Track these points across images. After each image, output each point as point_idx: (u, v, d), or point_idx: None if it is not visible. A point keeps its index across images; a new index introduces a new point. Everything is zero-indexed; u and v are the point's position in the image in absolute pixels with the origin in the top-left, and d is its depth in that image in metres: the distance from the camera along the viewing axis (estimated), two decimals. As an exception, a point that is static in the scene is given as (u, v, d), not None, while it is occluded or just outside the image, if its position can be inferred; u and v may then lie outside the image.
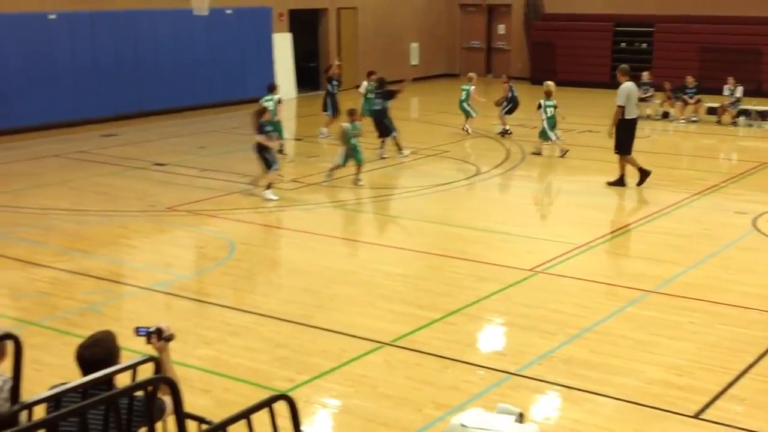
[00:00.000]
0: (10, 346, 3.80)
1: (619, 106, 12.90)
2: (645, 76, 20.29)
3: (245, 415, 3.43)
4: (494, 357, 7.22)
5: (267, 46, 22.59)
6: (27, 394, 3.81)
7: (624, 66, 13.43)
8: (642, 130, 18.91)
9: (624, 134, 13.05)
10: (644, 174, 13.21)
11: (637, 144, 13.34)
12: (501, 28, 28.08)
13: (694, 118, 19.60)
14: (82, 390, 3.44)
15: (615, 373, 6.81)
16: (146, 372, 3.82)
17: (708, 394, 6.40)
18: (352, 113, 13.48)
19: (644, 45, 25.16)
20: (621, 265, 9.66)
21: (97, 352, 3.90)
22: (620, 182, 13.20)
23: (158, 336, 4.21)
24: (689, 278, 9.15)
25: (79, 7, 18.59)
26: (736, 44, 23.27)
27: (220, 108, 21.18)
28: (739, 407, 6.23)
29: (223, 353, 7.16)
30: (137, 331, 4.23)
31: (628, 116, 12.97)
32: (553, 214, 12.09)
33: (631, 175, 13.23)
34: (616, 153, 13.22)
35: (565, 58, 25.72)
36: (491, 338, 7.86)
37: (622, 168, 13.19)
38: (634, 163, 13.23)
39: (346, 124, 13.26)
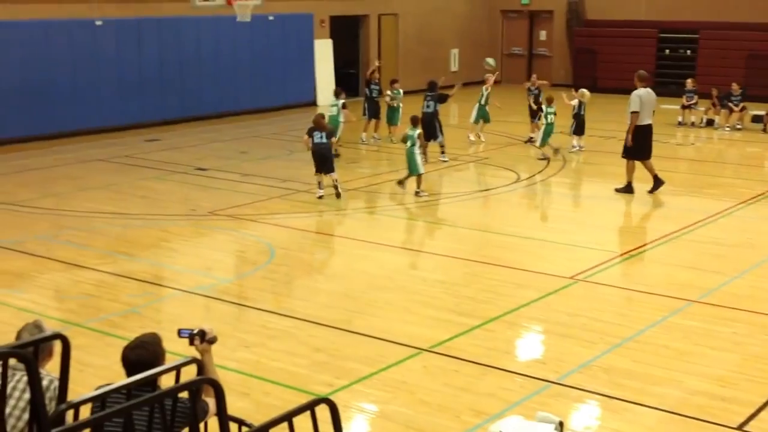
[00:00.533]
0: (57, 346, 3.87)
1: (633, 113, 12.76)
2: (689, 83, 20.04)
3: (287, 418, 3.44)
4: (533, 365, 7.17)
5: (308, 52, 22.72)
6: (71, 395, 3.87)
7: (642, 72, 13.26)
8: (686, 137, 18.78)
9: (638, 140, 12.87)
10: (658, 182, 13.06)
11: (682, 151, 13.20)
12: (542, 35, 27.93)
13: (739, 126, 19.29)
14: (127, 391, 3.49)
15: (656, 383, 6.72)
16: (189, 374, 3.86)
17: (752, 406, 6.29)
18: (414, 121, 13.25)
19: (688, 52, 24.84)
20: (663, 274, 9.53)
21: (143, 354, 3.95)
22: (628, 189, 13.12)
23: (201, 338, 4.25)
24: (733, 288, 9.01)
25: (125, 14, 18.90)
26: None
27: (262, 114, 21.37)
28: (784, 420, 6.12)
29: (263, 357, 7.20)
30: (180, 332, 4.27)
31: (641, 122, 12.84)
32: (594, 222, 11.97)
33: (644, 180, 13.08)
34: (623, 158, 13.14)
35: (606, 64, 25.49)
36: (530, 346, 7.80)
37: (630, 173, 13.10)
38: (651, 170, 13.09)
39: (407, 132, 13.14)
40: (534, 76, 18.71)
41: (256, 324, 8.03)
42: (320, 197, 12.80)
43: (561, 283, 9.11)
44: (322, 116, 13.28)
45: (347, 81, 24.42)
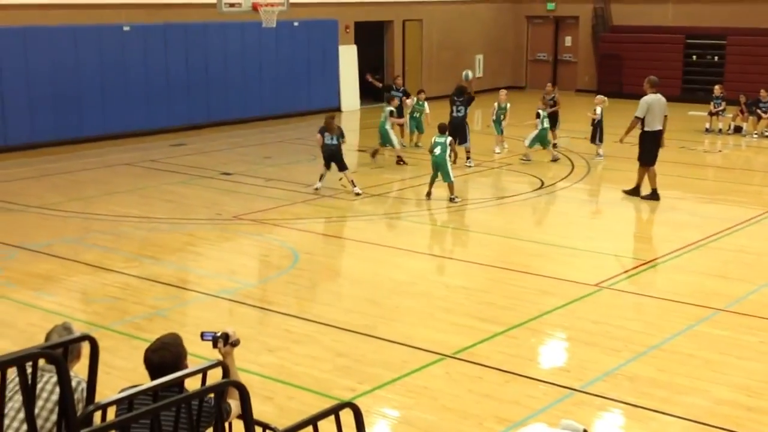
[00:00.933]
0: (85, 348, 3.91)
1: (636, 118, 12.87)
2: (716, 89, 19.87)
3: (312, 422, 3.46)
4: (557, 372, 7.13)
5: (333, 57, 22.81)
6: (97, 396, 3.91)
7: (652, 78, 13.35)
8: (713, 144, 18.61)
9: (647, 146, 13.00)
10: (654, 195, 13.07)
11: (709, 158, 13.07)
12: (568, 40, 27.82)
13: (767, 133, 19.09)
14: (153, 392, 3.52)
15: (682, 393, 6.66)
16: (213, 376, 3.88)
17: (780, 417, 6.22)
18: (441, 128, 13.21)
19: (716, 58, 24.62)
20: (690, 282, 9.45)
21: (166, 355, 3.98)
22: (635, 192, 13.19)
23: (225, 341, 4.27)
24: (760, 297, 8.91)
25: (153, 20, 19.07)
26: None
27: (286, 119, 21.47)
28: (813, 431, 6.04)
29: (286, 361, 7.23)
30: (203, 335, 4.29)
31: (650, 128, 12.90)
32: (619, 229, 11.89)
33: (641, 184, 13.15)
34: (639, 163, 13.18)
35: (632, 70, 25.30)
36: (554, 353, 7.76)
37: (640, 178, 13.16)
38: (652, 178, 13.11)
39: (434, 140, 13.11)
40: (549, 84, 18.44)
41: (279, 328, 8.06)
42: (317, 189, 13.40)
43: (585, 290, 9.06)
44: (332, 117, 13.79)
45: (372, 86, 24.48)
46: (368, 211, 12.68)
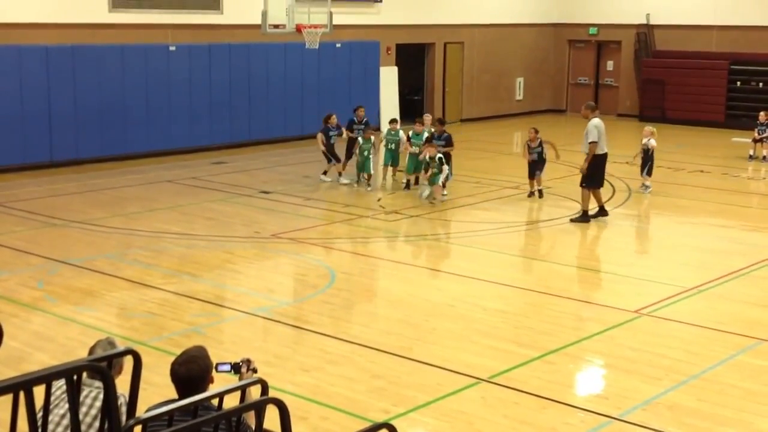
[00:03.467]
0: (127, 363, 3.93)
1: (594, 142, 12.83)
2: (762, 116, 19.54)
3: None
4: (595, 400, 7.02)
5: (374, 79, 22.92)
6: (136, 412, 3.92)
7: (590, 102, 13.85)
8: (758, 171, 18.30)
9: (599, 169, 13.10)
10: (602, 212, 13.18)
11: (753, 185, 12.83)
12: (609, 65, 27.65)
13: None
14: (194, 408, 3.53)
15: (724, 424, 6.51)
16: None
17: (826, 452, 6.04)
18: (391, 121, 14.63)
19: (761, 84, 24.27)
20: (733, 310, 9.26)
21: (194, 368, 4.00)
22: (584, 218, 13.13)
23: (247, 366, 4.31)
24: (807, 328, 8.69)
25: (198, 40, 19.37)
26: None
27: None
28: None
29: (321, 381, 7.21)
30: (218, 366, 4.29)
31: (600, 151, 12.97)
32: (660, 255, 11.71)
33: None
34: (581, 187, 13.14)
35: (675, 95, 25.07)
36: (592, 380, 7.64)
37: (589, 201, 13.11)
38: (599, 199, 13.19)
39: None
40: (532, 130, 15.13)
41: (315, 348, 8.05)
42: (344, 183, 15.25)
43: (626, 316, 8.92)
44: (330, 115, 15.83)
45: (412, 107, 24.57)
46: (405, 232, 12.66)
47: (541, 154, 14.84)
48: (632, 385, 7.23)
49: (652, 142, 15.57)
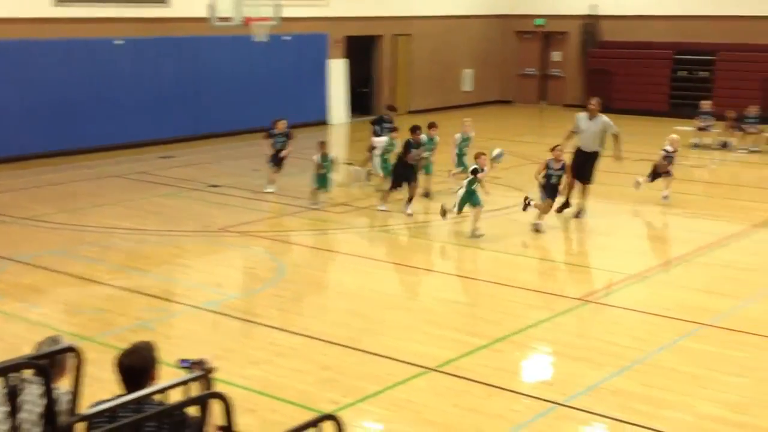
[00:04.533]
0: (71, 361, 3.91)
1: (616, 133, 12.95)
2: (705, 105, 20.01)
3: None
4: (541, 386, 7.15)
5: (322, 71, 22.89)
6: (80, 408, 3.90)
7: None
8: (701, 159, 18.71)
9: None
10: (567, 204, 13.01)
11: (697, 173, 13.09)
12: (556, 56, 27.97)
13: (754, 149, 19.22)
14: (136, 404, 3.54)
15: (666, 407, 6.68)
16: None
17: (762, 432, 6.24)
18: (477, 156, 12.21)
19: (705, 74, 24.80)
20: (675, 296, 9.49)
21: (135, 359, 4.05)
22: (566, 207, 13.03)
23: (200, 366, 4.31)
24: (746, 312, 8.95)
25: (144, 34, 19.11)
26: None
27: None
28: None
29: (270, 374, 7.22)
30: (181, 362, 4.31)
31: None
32: (605, 243, 11.92)
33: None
34: (587, 183, 13.09)
35: (621, 85, 25.48)
36: (538, 367, 7.78)
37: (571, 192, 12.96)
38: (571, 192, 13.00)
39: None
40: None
41: (264, 341, 8.05)
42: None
43: (571, 304, 9.08)
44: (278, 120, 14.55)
45: (361, 100, 24.61)
46: (356, 224, 12.69)
47: (560, 178, 12.19)
48: (577, 371, 7.37)
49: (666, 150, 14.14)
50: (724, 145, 19.58)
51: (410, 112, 25.16)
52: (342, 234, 12.38)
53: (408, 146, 13.03)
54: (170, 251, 11.17)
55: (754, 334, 8.25)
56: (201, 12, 17.59)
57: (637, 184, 14.04)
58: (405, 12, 24.91)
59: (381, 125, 15.59)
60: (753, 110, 19.34)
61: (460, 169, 14.41)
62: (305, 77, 22.38)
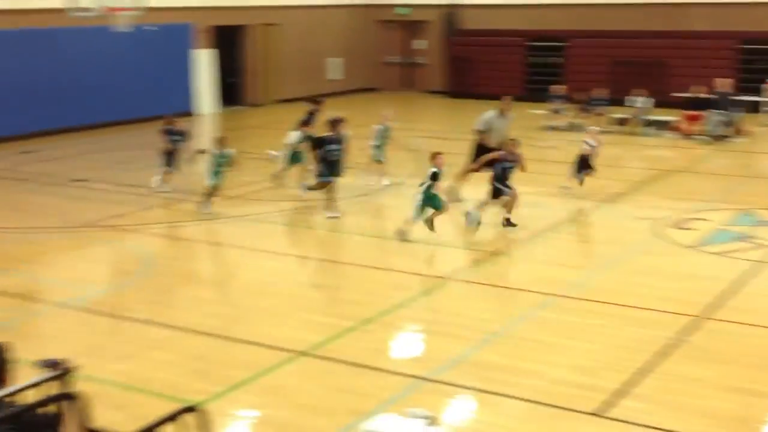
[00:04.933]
0: None
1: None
2: (557, 89, 21.02)
3: (149, 429, 3.46)
4: (407, 363, 7.45)
5: (187, 62, 22.54)
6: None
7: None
8: (552, 140, 19.61)
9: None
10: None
11: (549, 154, 13.66)
12: (420, 44, 28.54)
13: (604, 129, 20.30)
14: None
15: (522, 375, 7.07)
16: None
17: (611, 393, 6.67)
18: (434, 157, 11.06)
19: (557, 59, 25.94)
20: (529, 270, 10.03)
21: None
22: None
23: (54, 366, 4.31)
24: (599, 282, 9.52)
25: (3, 25, 18.30)
26: (644, 57, 24.25)
27: (140, 124, 20.95)
28: (641, 405, 6.49)
29: (139, 368, 7.20)
30: (40, 363, 4.29)
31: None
32: (461, 222, 12.37)
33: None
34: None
35: (480, 72, 26.33)
36: (404, 345, 8.09)
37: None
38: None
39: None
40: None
41: (133, 335, 8.00)
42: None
43: (433, 282, 9.46)
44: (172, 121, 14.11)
45: (230, 90, 24.40)
46: (223, 214, 12.64)
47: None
48: (441, 346, 7.72)
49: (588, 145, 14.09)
50: (576, 127, 20.56)
51: (278, 101, 25.15)
52: (211, 224, 12.32)
53: (321, 142, 12.27)
54: (32, 249, 10.84)
55: (602, 302, 8.78)
56: (60, 2, 16.95)
57: (566, 189, 13.73)
58: (271, 1, 24.83)
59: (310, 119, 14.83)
60: (601, 92, 20.46)
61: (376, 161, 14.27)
62: (169, 67, 22.00)
